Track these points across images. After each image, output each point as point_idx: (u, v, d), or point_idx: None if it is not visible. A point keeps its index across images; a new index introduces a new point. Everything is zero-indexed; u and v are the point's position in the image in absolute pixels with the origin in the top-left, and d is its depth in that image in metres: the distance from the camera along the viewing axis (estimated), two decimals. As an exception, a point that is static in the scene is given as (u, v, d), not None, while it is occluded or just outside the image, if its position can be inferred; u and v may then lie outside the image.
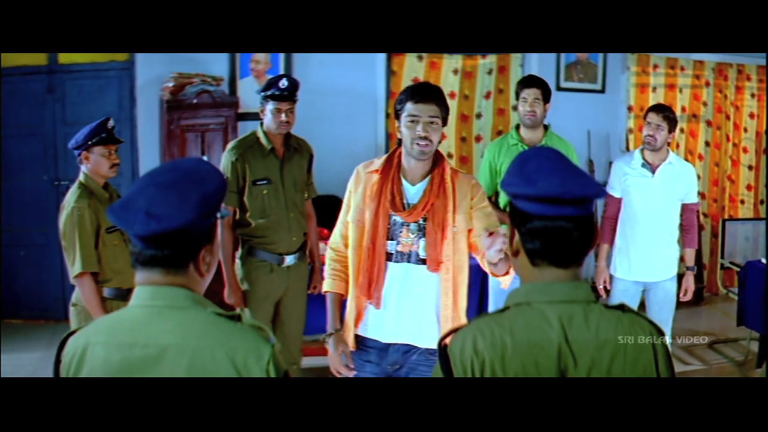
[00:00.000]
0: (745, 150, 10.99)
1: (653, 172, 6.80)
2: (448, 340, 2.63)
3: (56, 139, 9.27)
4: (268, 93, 6.34)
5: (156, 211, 2.47)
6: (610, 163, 7.73)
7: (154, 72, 8.83)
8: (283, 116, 6.38)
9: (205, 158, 5.83)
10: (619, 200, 6.92)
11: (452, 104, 9.72)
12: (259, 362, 2.53)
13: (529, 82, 6.90)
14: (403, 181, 4.60)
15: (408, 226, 4.54)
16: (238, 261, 6.48)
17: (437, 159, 4.61)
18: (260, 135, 6.44)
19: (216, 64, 9.00)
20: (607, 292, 7.07)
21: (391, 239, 4.55)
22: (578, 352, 2.57)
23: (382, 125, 9.69)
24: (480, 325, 2.62)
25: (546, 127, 6.95)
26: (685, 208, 6.95)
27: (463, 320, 4.50)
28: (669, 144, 6.91)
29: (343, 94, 9.44)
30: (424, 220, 4.53)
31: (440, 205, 4.52)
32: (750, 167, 11.00)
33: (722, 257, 9.39)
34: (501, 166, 6.80)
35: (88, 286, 5.47)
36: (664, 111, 6.86)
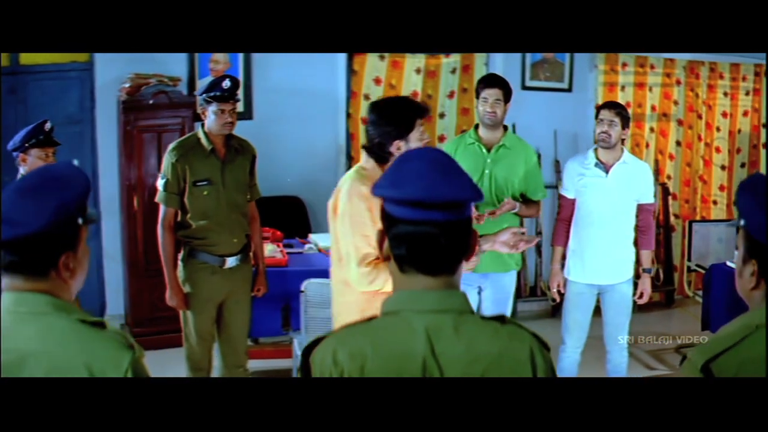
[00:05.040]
0: (717, 150, 10.83)
1: (607, 171, 6.69)
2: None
3: (18, 141, 9.16)
4: (212, 94, 6.31)
5: (12, 217, 2.44)
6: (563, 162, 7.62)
7: (113, 72, 8.76)
8: (227, 117, 6.35)
9: (75, 162, 5.80)
10: (573, 201, 6.80)
11: (414, 104, 9.57)
12: (117, 370, 2.50)
13: (490, 81, 6.76)
14: None
15: None
16: (180, 263, 6.43)
17: None
18: (201, 136, 6.41)
19: (175, 64, 8.95)
20: (562, 295, 6.94)
21: None
22: (446, 365, 2.43)
23: (343, 125, 9.62)
24: (343, 335, 2.53)
25: (505, 128, 6.80)
26: (641, 209, 6.84)
27: None
28: (623, 142, 6.80)
29: (303, 94, 9.34)
30: None
31: None
32: (723, 167, 10.84)
33: (689, 259, 9.28)
34: None
35: None
36: (617, 107, 6.78)
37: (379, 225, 4.26)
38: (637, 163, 6.92)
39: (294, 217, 9.09)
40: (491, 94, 6.59)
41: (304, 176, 9.26)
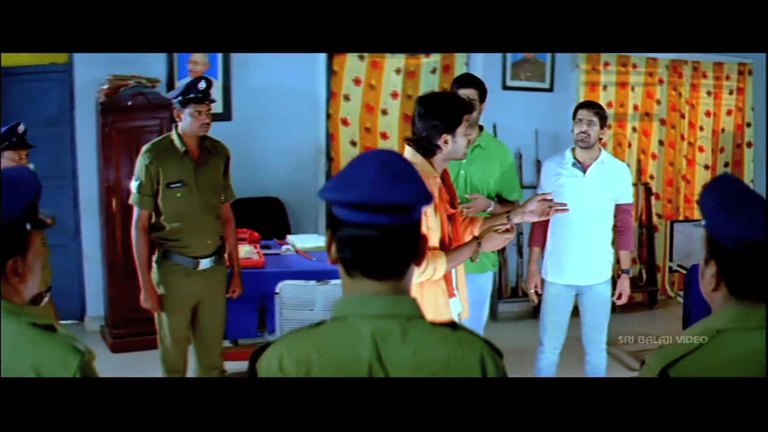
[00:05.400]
0: (701, 149, 10.79)
1: (584, 171, 6.67)
2: None
3: (0, 142, 9.14)
4: (189, 96, 6.30)
5: None
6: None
7: (92, 74, 8.75)
8: (204, 118, 6.35)
9: (31, 166, 5.86)
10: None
11: (395, 105, 9.64)
12: (66, 373, 2.53)
13: (465, 81, 6.71)
14: None
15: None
16: (154, 265, 6.44)
17: None
18: (174, 138, 6.42)
19: (154, 65, 8.94)
20: (539, 296, 6.91)
21: None
22: (392, 371, 2.41)
23: (323, 126, 9.59)
24: (289, 341, 2.49)
25: (481, 128, 6.75)
26: (619, 209, 6.82)
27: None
28: (600, 141, 6.77)
29: (282, 94, 9.32)
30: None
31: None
32: (706, 167, 10.79)
33: (671, 260, 9.24)
34: None
35: None
36: (595, 107, 6.77)
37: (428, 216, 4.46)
38: (615, 162, 6.90)
39: (273, 218, 9.08)
40: (467, 94, 6.51)
41: (284, 177, 9.25)
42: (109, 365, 8.14)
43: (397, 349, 2.41)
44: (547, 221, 6.75)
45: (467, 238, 5.35)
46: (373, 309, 2.44)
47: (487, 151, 6.65)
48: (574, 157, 6.73)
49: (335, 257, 2.50)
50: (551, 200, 5.44)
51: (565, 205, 5.57)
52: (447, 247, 5.04)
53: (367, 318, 2.43)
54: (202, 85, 6.35)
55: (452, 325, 2.52)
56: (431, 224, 4.89)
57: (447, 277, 5.13)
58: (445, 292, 5.15)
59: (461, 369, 2.45)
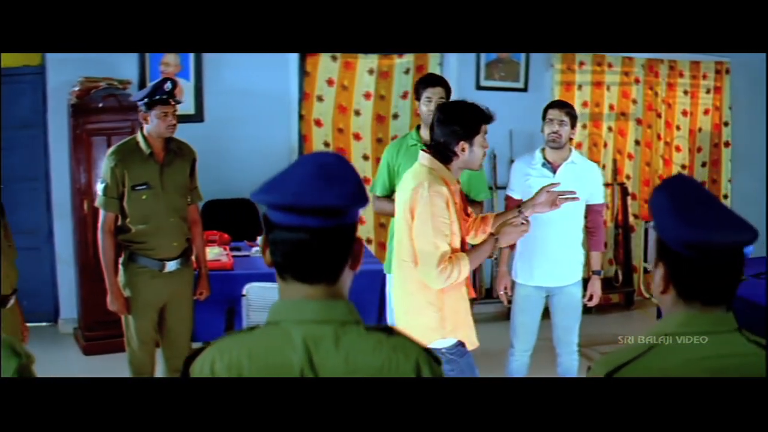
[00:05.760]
0: (677, 149, 10.74)
1: (554, 171, 6.63)
2: None
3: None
4: (155, 98, 6.32)
5: None
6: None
7: (64, 76, 8.73)
8: (170, 119, 6.37)
9: None
10: (519, 202, 6.70)
11: (367, 105, 9.60)
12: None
13: (432, 81, 6.70)
14: None
15: None
16: (120, 267, 6.45)
17: None
18: (140, 140, 6.44)
19: (126, 67, 8.91)
20: (509, 298, 6.88)
21: None
22: (324, 376, 2.37)
23: (296, 127, 9.56)
24: (221, 345, 2.46)
25: None
26: (590, 210, 6.78)
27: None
28: (571, 141, 6.75)
29: (255, 95, 9.29)
30: None
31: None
32: (683, 166, 10.74)
33: (645, 260, 9.21)
34: (399, 167, 6.61)
35: None
36: (566, 106, 6.75)
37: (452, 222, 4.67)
38: (586, 163, 6.87)
39: (246, 219, 9.02)
40: (435, 93, 6.53)
41: (256, 179, 8.99)
42: (82, 368, 8.14)
43: (329, 355, 2.38)
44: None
45: (480, 237, 5.44)
46: (306, 314, 2.42)
47: (455, 152, 6.61)
48: (544, 158, 6.70)
49: (269, 260, 2.48)
50: (560, 191, 5.56)
51: (574, 193, 5.64)
52: (462, 245, 5.12)
53: (300, 323, 2.41)
54: (167, 86, 6.36)
55: (388, 331, 2.49)
56: (454, 229, 4.98)
57: (466, 278, 5.20)
58: (465, 297, 5.23)
59: (395, 375, 2.42)
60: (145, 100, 6.35)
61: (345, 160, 2.53)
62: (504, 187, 8.62)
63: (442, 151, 5.02)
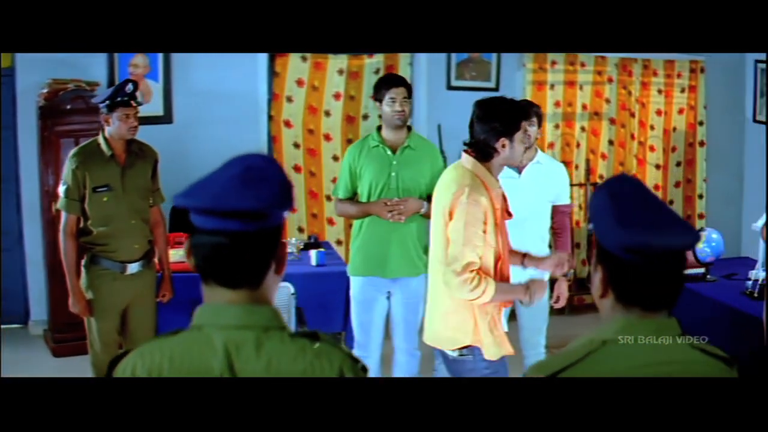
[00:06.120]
0: (651, 148, 10.65)
1: (520, 172, 6.59)
2: None
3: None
4: (117, 100, 6.35)
5: None
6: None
7: (34, 78, 8.72)
8: (132, 121, 6.40)
9: None
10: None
11: (338, 105, 9.54)
12: None
13: (394, 81, 6.69)
14: None
15: None
16: (82, 269, 6.47)
17: None
18: (101, 142, 6.46)
19: (95, 68, 8.88)
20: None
21: None
22: None
23: (265, 128, 9.52)
24: (144, 349, 2.46)
25: (409, 128, 6.72)
26: (556, 210, 6.77)
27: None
28: (537, 140, 6.73)
29: (224, 96, 9.25)
30: None
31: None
32: (657, 166, 10.65)
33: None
34: (361, 168, 6.61)
35: None
36: (533, 106, 6.70)
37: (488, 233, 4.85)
38: (552, 163, 6.86)
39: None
40: (399, 92, 6.51)
41: None
42: (51, 369, 8.11)
43: (250, 361, 2.36)
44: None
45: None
46: (227, 319, 2.39)
47: (417, 151, 6.64)
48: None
49: (193, 265, 2.46)
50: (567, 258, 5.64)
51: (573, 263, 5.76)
52: (501, 258, 5.10)
53: (221, 328, 2.38)
54: (129, 88, 6.40)
55: (313, 337, 2.46)
56: (489, 240, 4.99)
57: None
58: (497, 306, 5.19)
59: None
60: (107, 102, 6.37)
61: (274, 162, 2.50)
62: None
63: (482, 149, 5.05)
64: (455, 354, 5.18)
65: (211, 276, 2.41)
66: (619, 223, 2.36)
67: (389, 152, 6.56)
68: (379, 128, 6.70)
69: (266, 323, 2.41)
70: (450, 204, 4.97)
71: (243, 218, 2.34)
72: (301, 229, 9.47)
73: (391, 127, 6.56)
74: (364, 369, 2.48)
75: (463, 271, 4.88)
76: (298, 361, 2.37)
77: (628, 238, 2.35)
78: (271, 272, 2.45)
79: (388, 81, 6.68)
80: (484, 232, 4.94)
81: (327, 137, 9.50)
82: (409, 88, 6.62)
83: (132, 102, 6.41)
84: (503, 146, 4.99)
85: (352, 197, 6.69)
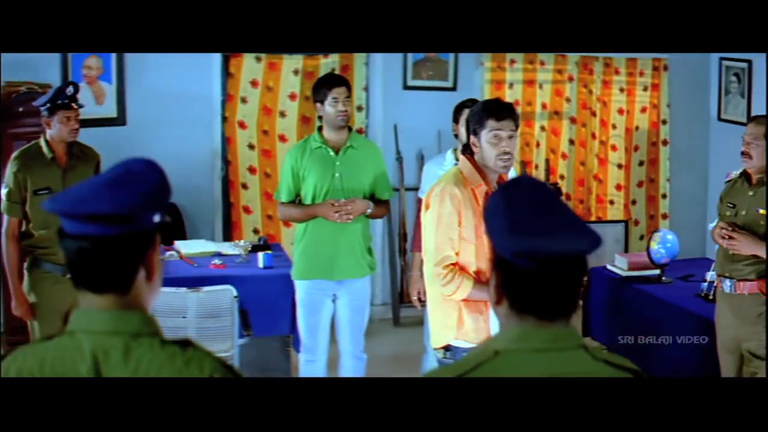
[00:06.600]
0: (613, 148, 10.56)
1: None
2: None
3: None
4: (57, 103, 6.37)
5: None
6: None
7: (-12, 80, 8.56)
8: (73, 123, 6.43)
9: None
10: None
11: (293, 106, 9.48)
12: None
13: (335, 81, 6.66)
14: None
15: None
16: (25, 272, 6.48)
17: None
18: (42, 144, 6.48)
19: (48, 70, 8.78)
20: (423, 303, 6.76)
21: None
22: None
23: (219, 129, 9.45)
24: (19, 352, 2.44)
25: (350, 128, 6.66)
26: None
27: None
28: None
29: (178, 98, 9.16)
30: None
31: None
32: (620, 166, 10.57)
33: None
34: (304, 170, 6.55)
35: None
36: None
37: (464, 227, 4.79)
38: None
39: (170, 223, 8.91)
40: (341, 92, 6.49)
41: (180, 181, 8.93)
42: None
43: (117, 368, 2.32)
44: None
45: None
46: (96, 325, 2.36)
47: (359, 151, 6.61)
48: (457, 158, 6.59)
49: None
50: None
51: None
52: (481, 255, 4.95)
53: (91, 333, 2.35)
54: (69, 90, 6.44)
55: (184, 345, 2.40)
56: (465, 235, 4.94)
57: None
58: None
59: None
60: (47, 105, 6.39)
61: (153, 167, 2.46)
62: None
63: (469, 147, 5.11)
64: (440, 355, 5.17)
65: (78, 281, 2.39)
66: (509, 228, 2.24)
67: (332, 153, 6.51)
68: (320, 129, 6.65)
69: (136, 329, 2.37)
70: (427, 196, 5.06)
71: (102, 222, 2.31)
72: (256, 231, 9.39)
73: (333, 128, 6.51)
74: (235, 374, 2.44)
75: (437, 264, 4.91)
76: (167, 368, 2.34)
77: (518, 243, 2.23)
78: (141, 278, 2.41)
79: (329, 81, 6.65)
80: (460, 224, 4.90)
81: (282, 138, 9.43)
82: (349, 88, 6.60)
83: (73, 104, 6.42)
84: (474, 145, 5.01)
85: (295, 200, 6.62)
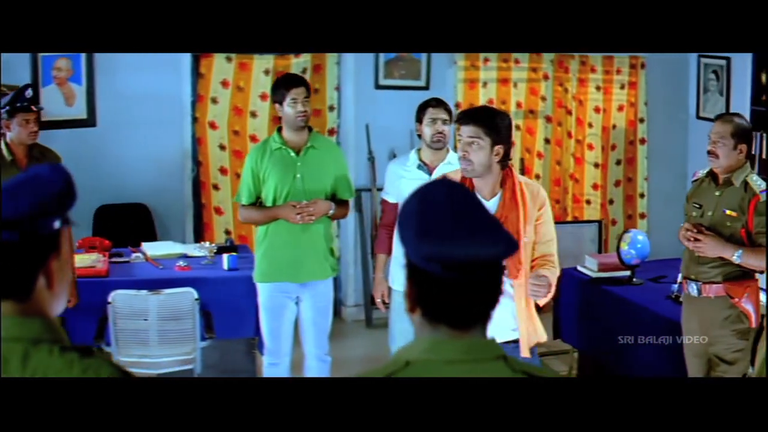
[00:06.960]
0: (590, 147, 10.51)
1: (430, 173, 6.49)
2: None
3: None
4: (16, 105, 6.45)
5: None
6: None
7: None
8: (32, 126, 6.50)
9: None
10: (395, 206, 6.57)
11: (264, 106, 9.40)
12: None
13: (295, 81, 6.61)
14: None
15: None
16: None
17: (507, 172, 5.26)
18: (2, 147, 6.51)
19: (18, 72, 8.66)
20: (387, 305, 6.72)
21: None
22: None
23: (189, 130, 9.40)
24: None
25: (310, 129, 6.61)
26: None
27: (537, 321, 5.48)
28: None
29: (148, 99, 9.11)
30: None
31: (513, 217, 5.15)
32: (596, 165, 10.52)
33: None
34: (265, 172, 6.50)
35: None
36: (445, 104, 6.65)
37: None
38: (464, 164, 6.73)
39: (140, 224, 8.91)
40: (300, 93, 6.44)
41: (150, 182, 9.10)
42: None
43: (15, 374, 2.27)
44: (392, 227, 6.58)
45: None
46: (5, 331, 2.31)
47: (320, 151, 6.57)
48: (420, 159, 6.58)
49: None
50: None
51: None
52: None
53: (6, 341, 2.30)
54: (28, 93, 6.53)
55: (85, 352, 2.35)
56: None
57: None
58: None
59: None
60: (6, 107, 6.43)
61: (59, 173, 2.40)
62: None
63: None
64: None
65: None
66: (418, 232, 2.16)
67: (293, 154, 6.47)
68: (279, 129, 6.60)
69: (36, 336, 2.33)
70: None
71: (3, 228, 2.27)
72: (228, 232, 9.35)
73: (293, 129, 6.46)
74: None
75: None
76: (64, 374, 2.29)
77: (427, 247, 2.14)
78: (42, 285, 2.36)
79: (288, 81, 6.59)
80: None
81: (254, 138, 9.34)
82: (308, 88, 6.56)
83: (32, 107, 6.47)
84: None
85: (256, 202, 6.57)
